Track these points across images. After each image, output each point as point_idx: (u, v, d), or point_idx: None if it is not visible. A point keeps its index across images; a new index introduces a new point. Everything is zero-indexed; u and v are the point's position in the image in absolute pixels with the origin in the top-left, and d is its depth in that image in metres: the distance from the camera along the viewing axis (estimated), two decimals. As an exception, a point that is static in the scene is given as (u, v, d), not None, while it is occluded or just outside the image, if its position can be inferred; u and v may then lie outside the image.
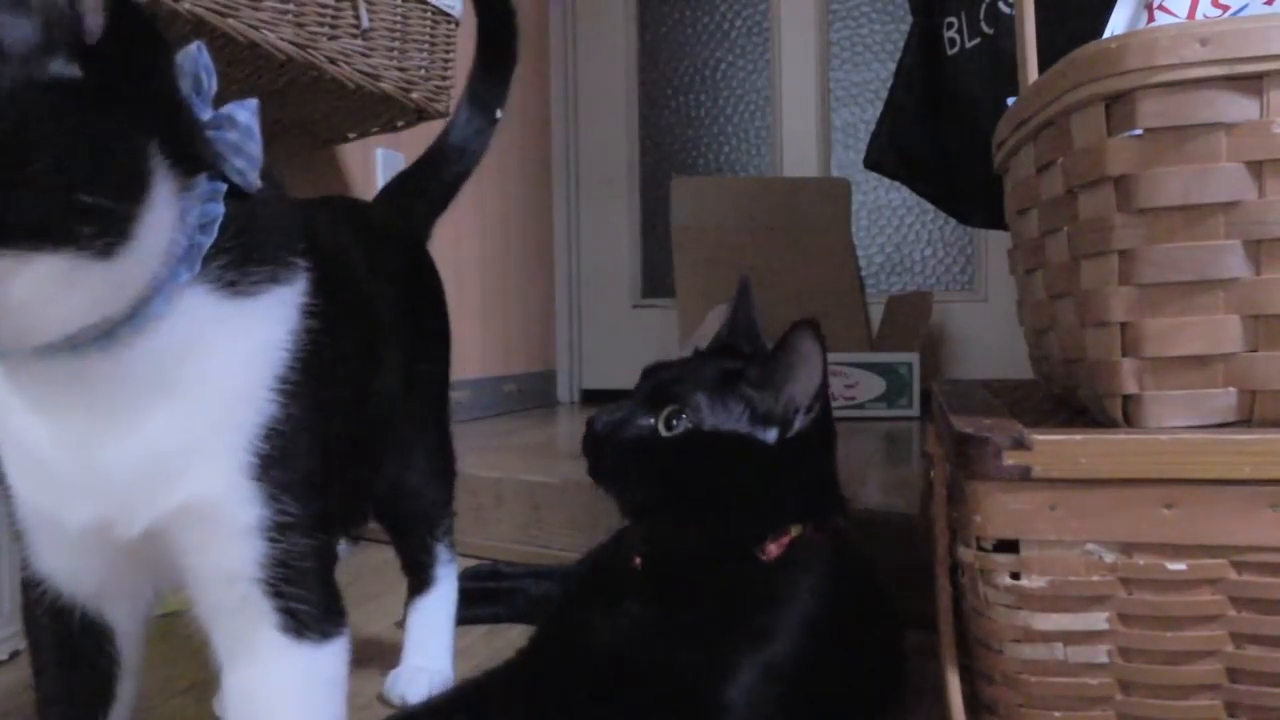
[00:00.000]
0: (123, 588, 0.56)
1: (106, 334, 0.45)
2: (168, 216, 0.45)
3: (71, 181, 0.40)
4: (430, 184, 0.93)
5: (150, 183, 0.43)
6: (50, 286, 0.40)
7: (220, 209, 0.48)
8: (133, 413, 0.47)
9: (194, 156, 0.47)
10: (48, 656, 0.56)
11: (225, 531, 0.50)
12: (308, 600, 0.53)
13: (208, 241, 0.47)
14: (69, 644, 0.56)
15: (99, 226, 0.41)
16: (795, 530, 0.72)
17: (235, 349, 0.49)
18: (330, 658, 0.54)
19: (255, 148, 0.50)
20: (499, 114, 0.95)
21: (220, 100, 0.51)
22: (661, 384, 0.75)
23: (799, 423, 0.72)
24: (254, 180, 0.50)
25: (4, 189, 0.38)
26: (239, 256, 0.49)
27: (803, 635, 0.68)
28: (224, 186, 0.49)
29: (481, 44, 0.95)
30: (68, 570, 0.54)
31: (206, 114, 0.49)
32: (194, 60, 0.49)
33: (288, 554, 0.51)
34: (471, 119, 0.94)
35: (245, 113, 0.50)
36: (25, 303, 0.40)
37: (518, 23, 0.94)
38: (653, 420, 0.73)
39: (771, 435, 0.72)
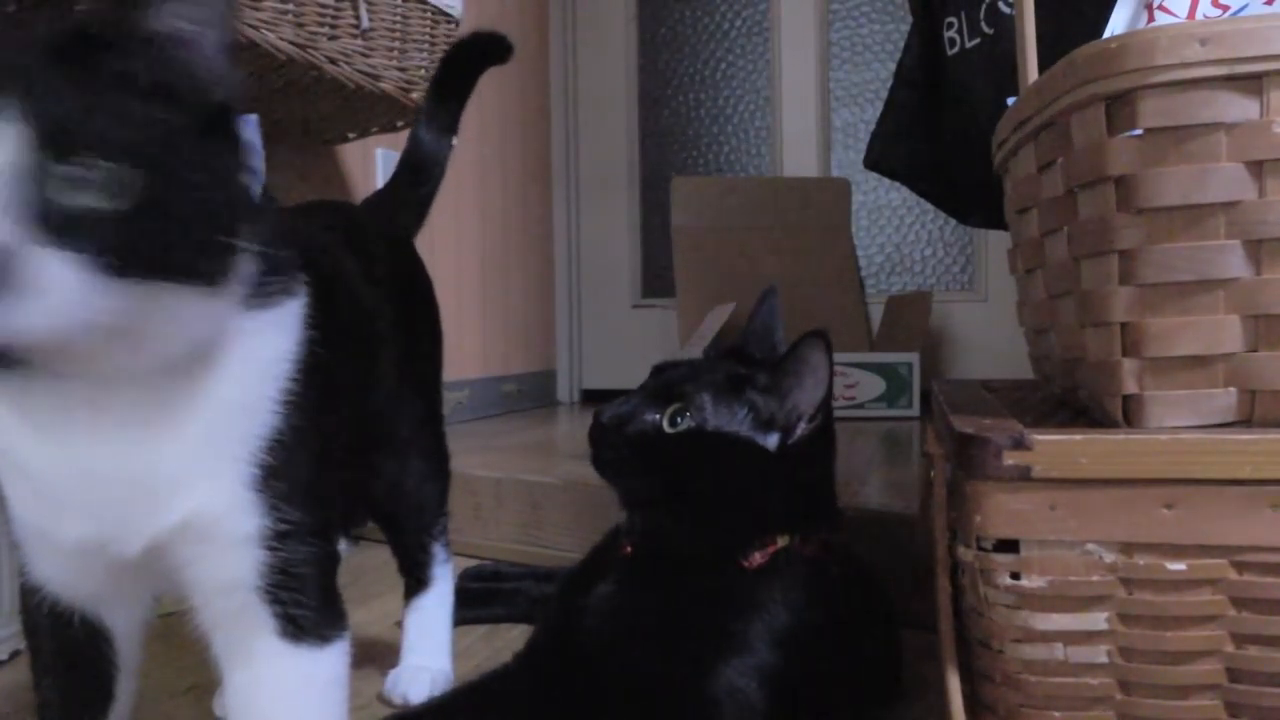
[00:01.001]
0: (120, 594, 0.56)
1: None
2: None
3: (215, 222, 0.43)
4: (407, 200, 0.93)
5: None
6: (186, 315, 0.44)
7: None
8: (139, 433, 0.47)
9: None
10: (47, 658, 0.56)
11: (225, 543, 0.50)
12: (307, 605, 0.53)
13: None
14: (68, 646, 0.56)
15: (220, 262, 0.44)
16: (782, 540, 0.72)
17: (248, 363, 0.50)
18: (330, 660, 0.55)
19: (257, 162, 0.51)
20: (454, 141, 0.95)
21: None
22: (669, 381, 0.75)
23: (801, 430, 0.73)
24: (256, 193, 0.50)
25: (165, 226, 0.41)
26: (254, 270, 0.49)
27: (777, 647, 0.68)
28: None
29: (444, 76, 0.93)
30: (64, 579, 0.54)
31: None
32: (247, 126, 0.50)
33: (287, 561, 0.51)
34: (436, 139, 0.93)
35: (247, 128, 0.50)
36: (163, 330, 0.44)
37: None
38: (657, 416, 0.73)
39: (773, 441, 0.72)
